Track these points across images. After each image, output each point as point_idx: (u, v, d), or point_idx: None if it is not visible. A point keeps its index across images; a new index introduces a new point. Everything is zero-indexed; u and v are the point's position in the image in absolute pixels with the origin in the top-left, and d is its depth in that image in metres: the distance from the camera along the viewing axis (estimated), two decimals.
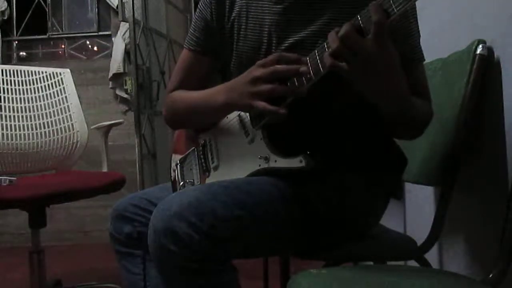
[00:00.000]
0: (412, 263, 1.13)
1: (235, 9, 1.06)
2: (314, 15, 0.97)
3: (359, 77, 0.80)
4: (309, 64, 0.87)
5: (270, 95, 0.90)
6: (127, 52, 3.32)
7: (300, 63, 0.88)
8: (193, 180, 1.15)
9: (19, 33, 3.76)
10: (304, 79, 0.88)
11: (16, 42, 3.81)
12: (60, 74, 2.30)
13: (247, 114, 1.01)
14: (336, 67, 0.79)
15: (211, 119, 1.09)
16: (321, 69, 0.85)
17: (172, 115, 1.16)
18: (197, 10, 1.12)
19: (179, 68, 1.17)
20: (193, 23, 1.13)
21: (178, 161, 1.22)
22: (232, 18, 1.06)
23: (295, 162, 0.91)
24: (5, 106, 2.16)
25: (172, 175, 1.24)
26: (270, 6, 1.01)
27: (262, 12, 1.02)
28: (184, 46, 1.15)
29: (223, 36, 1.08)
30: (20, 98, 2.21)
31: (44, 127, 2.21)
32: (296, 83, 0.90)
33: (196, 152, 1.16)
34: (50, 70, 2.31)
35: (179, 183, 1.19)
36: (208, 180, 1.10)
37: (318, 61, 0.85)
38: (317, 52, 0.86)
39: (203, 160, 1.13)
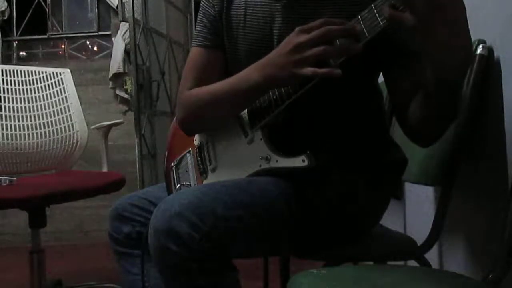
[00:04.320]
0: (412, 263, 1.13)
1: (234, 6, 1.05)
2: (313, 13, 0.95)
3: (423, 27, 0.70)
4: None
5: (322, 57, 0.82)
6: (127, 52, 3.32)
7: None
8: (189, 182, 1.13)
9: (19, 33, 3.76)
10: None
11: (16, 42, 3.81)
12: (60, 74, 2.30)
13: (245, 114, 1.01)
14: (398, 17, 0.71)
15: (245, 104, 0.99)
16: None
17: (193, 114, 1.05)
18: (200, 9, 1.10)
19: (191, 67, 1.09)
20: (197, 23, 1.11)
21: (173, 164, 1.19)
22: (230, 15, 1.05)
23: (298, 162, 0.91)
24: (5, 106, 2.16)
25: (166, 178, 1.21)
26: (270, 4, 1.00)
27: (262, 10, 1.01)
28: (192, 45, 1.10)
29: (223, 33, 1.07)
30: (20, 98, 2.21)
31: (44, 127, 2.21)
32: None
33: (192, 154, 1.14)
34: (50, 70, 2.31)
35: (175, 186, 1.17)
36: (205, 182, 1.08)
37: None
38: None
39: (200, 162, 1.11)
